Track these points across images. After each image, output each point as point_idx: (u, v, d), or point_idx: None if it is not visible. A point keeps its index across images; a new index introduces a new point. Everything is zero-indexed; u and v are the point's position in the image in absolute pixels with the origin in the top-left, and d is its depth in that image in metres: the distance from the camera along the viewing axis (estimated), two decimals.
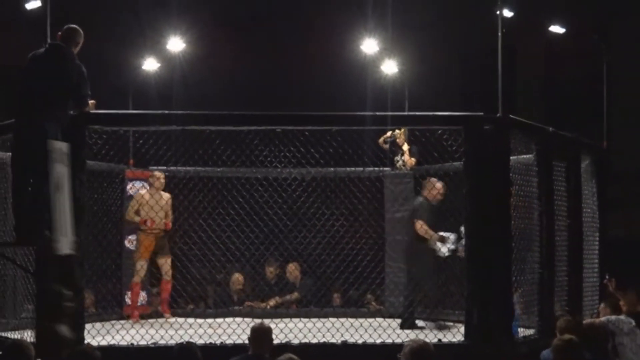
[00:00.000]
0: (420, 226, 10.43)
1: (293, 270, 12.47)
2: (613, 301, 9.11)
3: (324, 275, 12.27)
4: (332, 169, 11.63)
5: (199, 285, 11.91)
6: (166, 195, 11.41)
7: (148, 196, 11.19)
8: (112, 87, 12.51)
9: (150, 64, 13.45)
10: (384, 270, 11.88)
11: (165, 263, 11.31)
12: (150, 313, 11.56)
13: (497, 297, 8.44)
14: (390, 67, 13.89)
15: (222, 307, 11.97)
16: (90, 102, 8.25)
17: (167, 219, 11.31)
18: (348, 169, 11.82)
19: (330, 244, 11.91)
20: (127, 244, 11.59)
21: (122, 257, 11.59)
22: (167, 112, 8.92)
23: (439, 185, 10.66)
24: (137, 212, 11.24)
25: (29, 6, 11.04)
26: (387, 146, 12.20)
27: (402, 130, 11.90)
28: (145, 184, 11.53)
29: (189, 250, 11.66)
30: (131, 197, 11.47)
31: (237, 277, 12.40)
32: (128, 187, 11.64)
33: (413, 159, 11.87)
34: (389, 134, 12.10)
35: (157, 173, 11.38)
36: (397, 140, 12.00)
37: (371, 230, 11.99)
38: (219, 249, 11.71)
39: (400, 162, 12.04)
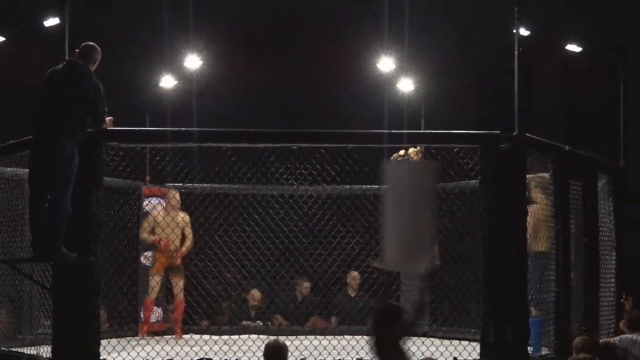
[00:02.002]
0: None
1: (354, 277, 12.43)
2: (633, 318, 9.08)
3: (339, 292, 12.30)
4: (348, 186, 11.65)
5: (215, 302, 11.92)
6: (182, 215, 11.40)
7: (162, 215, 11.19)
8: (129, 104, 12.55)
9: (167, 81, 13.49)
10: (400, 288, 11.86)
11: (177, 285, 11.32)
12: (165, 329, 11.58)
13: (513, 315, 8.42)
14: (406, 85, 13.89)
15: (238, 323, 11.98)
16: (108, 118, 8.29)
17: (186, 241, 11.31)
18: (364, 186, 11.82)
19: (346, 261, 11.93)
20: (142, 260, 11.61)
21: (138, 273, 11.61)
22: (183, 129, 8.95)
23: None
24: (152, 231, 11.26)
25: (47, 23, 11.09)
26: None
27: (418, 148, 11.88)
28: (162, 201, 11.56)
29: (205, 266, 11.68)
30: (147, 213, 11.49)
31: (253, 293, 12.40)
32: (144, 203, 11.67)
33: None
34: (401, 152, 12.09)
35: (171, 192, 11.40)
36: (411, 158, 11.98)
37: None
38: (235, 265, 11.74)
39: None
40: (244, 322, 12.10)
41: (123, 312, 11.53)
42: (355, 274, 12.36)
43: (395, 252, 6.79)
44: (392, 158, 12.09)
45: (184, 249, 11.34)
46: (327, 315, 12.46)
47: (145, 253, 11.53)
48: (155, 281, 11.22)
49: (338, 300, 12.43)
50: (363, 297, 12.31)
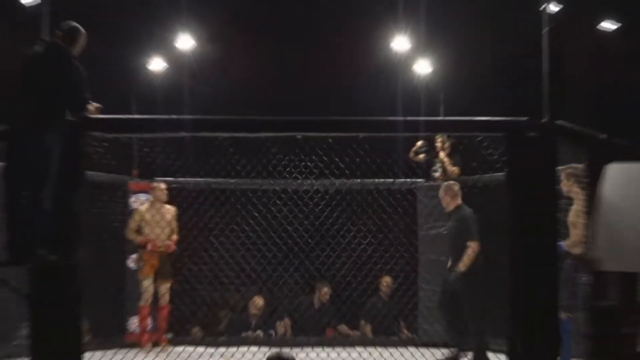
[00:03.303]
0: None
1: (387, 282, 12.41)
2: None
3: (349, 299, 12.26)
4: (358, 180, 11.61)
5: (210, 309, 11.90)
6: (171, 209, 11.37)
7: (149, 213, 11.15)
8: (113, 89, 12.51)
9: (157, 64, 13.46)
10: (417, 293, 11.83)
11: (165, 290, 11.28)
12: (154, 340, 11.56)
13: (542, 322, 8.36)
14: (423, 68, 13.85)
15: (236, 334, 11.96)
16: (96, 106, 8.25)
17: (172, 236, 11.28)
18: (376, 180, 11.79)
19: (356, 264, 11.89)
20: (130, 263, 11.58)
21: (125, 278, 11.58)
22: (174, 116, 8.88)
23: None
24: (139, 230, 11.23)
25: (25, 1, 11.06)
26: (421, 157, 12.08)
27: (444, 136, 11.80)
28: (149, 197, 11.53)
29: (199, 271, 11.66)
30: (134, 211, 11.46)
31: (256, 300, 12.34)
32: (132, 200, 11.64)
33: (457, 168, 11.72)
34: (419, 143, 12.00)
35: (157, 184, 11.38)
36: (437, 144, 11.86)
37: (402, 249, 11.95)
38: (233, 269, 11.71)
39: (440, 171, 11.91)
40: (243, 333, 12.08)
41: (109, 322, 11.49)
42: (388, 279, 12.33)
43: (616, 251, 7.34)
44: (411, 154, 12.04)
45: (174, 237, 11.30)
46: (338, 322, 12.42)
47: (133, 256, 11.50)
48: (145, 284, 11.20)
49: (368, 306, 12.38)
50: (396, 302, 12.26)
